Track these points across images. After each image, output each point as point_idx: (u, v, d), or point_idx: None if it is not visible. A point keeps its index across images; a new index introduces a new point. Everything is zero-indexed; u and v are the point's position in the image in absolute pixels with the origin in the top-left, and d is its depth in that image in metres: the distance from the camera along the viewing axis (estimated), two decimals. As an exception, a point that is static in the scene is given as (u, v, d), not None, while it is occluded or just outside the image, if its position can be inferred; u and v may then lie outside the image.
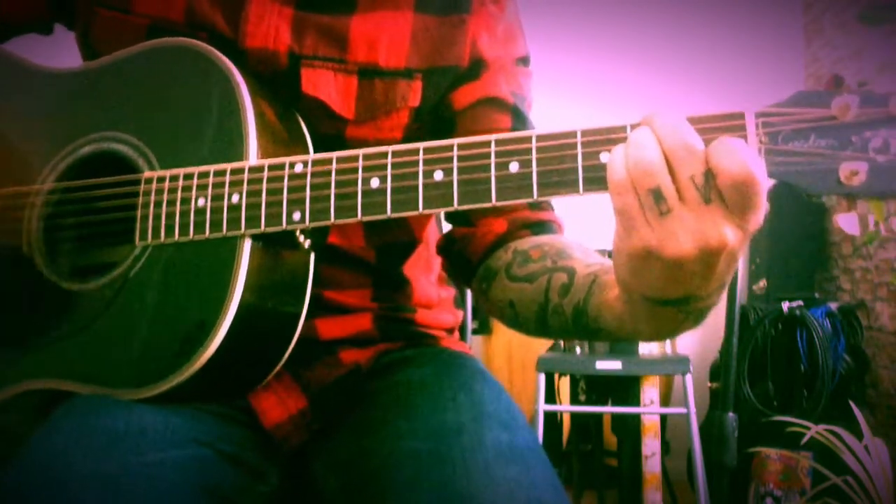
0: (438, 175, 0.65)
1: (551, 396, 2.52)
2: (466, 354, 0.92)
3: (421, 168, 0.65)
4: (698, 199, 0.54)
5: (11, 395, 0.78)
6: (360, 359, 0.86)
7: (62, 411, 0.72)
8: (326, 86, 0.82)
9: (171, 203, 0.74)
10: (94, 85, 0.84)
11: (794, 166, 0.56)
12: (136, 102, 0.81)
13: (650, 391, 2.35)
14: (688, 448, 2.24)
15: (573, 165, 0.60)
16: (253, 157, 0.73)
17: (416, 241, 0.93)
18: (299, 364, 0.82)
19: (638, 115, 0.58)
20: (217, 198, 0.72)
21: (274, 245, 0.74)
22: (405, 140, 0.83)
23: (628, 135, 0.58)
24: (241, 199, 0.71)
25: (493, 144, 0.63)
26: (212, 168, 0.73)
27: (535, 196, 0.62)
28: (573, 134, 0.60)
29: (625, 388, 2.38)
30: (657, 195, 0.55)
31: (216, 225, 0.72)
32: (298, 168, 0.70)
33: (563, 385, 2.62)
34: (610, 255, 0.63)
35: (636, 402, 2.35)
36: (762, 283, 2.86)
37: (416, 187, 0.65)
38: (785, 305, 2.52)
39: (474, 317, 2.83)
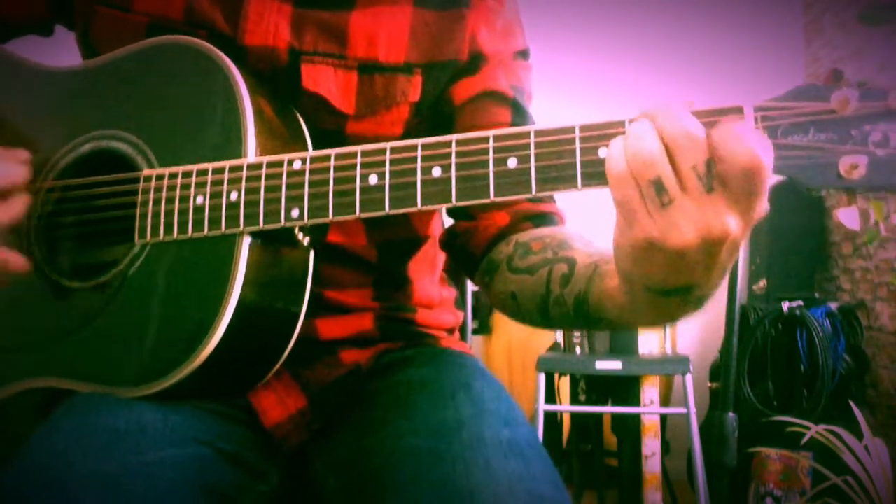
0: (437, 171, 0.64)
1: (551, 396, 2.52)
2: (467, 354, 0.92)
3: (419, 164, 0.65)
4: (700, 188, 0.54)
5: (12, 393, 0.78)
6: (361, 359, 0.86)
7: (62, 410, 0.72)
8: (326, 81, 0.82)
9: (170, 201, 0.74)
10: (93, 83, 0.84)
11: (794, 160, 0.55)
12: (136, 100, 0.81)
13: (650, 391, 2.35)
14: (688, 448, 2.24)
15: (571, 161, 0.60)
16: (251, 154, 0.73)
17: (418, 238, 0.93)
18: (299, 363, 0.82)
19: (636, 113, 0.58)
20: (216, 195, 0.72)
21: (273, 242, 0.74)
22: (405, 135, 0.83)
23: (627, 129, 0.58)
24: (239, 196, 0.71)
25: (491, 140, 0.63)
26: (210, 166, 0.73)
27: (534, 191, 0.61)
28: (571, 129, 0.60)
29: (625, 388, 2.38)
30: (658, 186, 0.54)
31: (215, 222, 0.72)
32: (297, 165, 0.70)
33: (563, 385, 2.62)
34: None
35: (636, 402, 2.35)
36: (762, 283, 2.86)
37: (415, 184, 0.65)
38: (785, 305, 2.52)
39: (474, 317, 2.83)
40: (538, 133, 0.62)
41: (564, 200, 0.92)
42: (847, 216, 0.58)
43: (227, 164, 0.72)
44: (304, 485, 0.81)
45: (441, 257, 1.00)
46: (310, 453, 0.82)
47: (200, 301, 0.71)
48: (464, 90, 0.87)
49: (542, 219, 0.86)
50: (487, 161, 0.63)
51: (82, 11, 0.87)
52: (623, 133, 0.58)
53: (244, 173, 0.71)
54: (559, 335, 2.58)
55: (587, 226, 0.82)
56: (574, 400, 2.55)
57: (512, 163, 0.62)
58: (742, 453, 2.19)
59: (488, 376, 0.85)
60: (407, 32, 0.84)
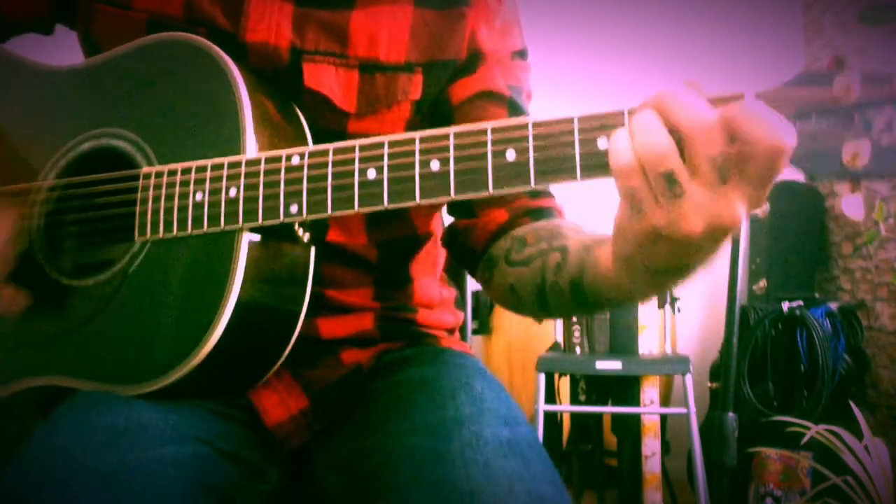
0: (435, 165, 0.64)
1: (551, 396, 2.51)
2: (467, 354, 0.92)
3: (417, 158, 0.65)
4: (716, 180, 0.53)
5: (13, 391, 0.78)
6: (362, 359, 0.86)
7: (63, 409, 0.72)
8: (328, 80, 0.82)
9: (170, 198, 0.74)
10: (93, 81, 0.85)
11: (796, 147, 0.53)
12: (135, 98, 0.81)
13: (650, 391, 2.35)
14: (688, 448, 2.24)
15: (570, 152, 0.59)
16: (251, 151, 0.73)
17: (418, 238, 0.93)
18: (301, 363, 0.82)
19: (637, 104, 0.57)
20: (215, 192, 0.72)
21: (273, 239, 0.74)
22: None
23: (626, 120, 0.57)
24: (238, 192, 0.71)
25: (489, 132, 0.63)
26: (209, 162, 0.73)
27: (533, 184, 0.61)
28: (570, 120, 0.60)
29: (625, 388, 2.38)
30: (670, 179, 0.53)
31: (214, 219, 0.72)
32: (295, 160, 0.70)
33: (563, 385, 2.62)
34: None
35: (636, 402, 2.35)
36: (762, 283, 2.86)
37: (413, 178, 0.65)
38: (785, 305, 2.51)
39: (474, 317, 2.83)
40: (536, 125, 0.61)
41: (564, 194, 0.93)
42: (851, 204, 0.57)
43: (225, 160, 0.72)
44: (305, 484, 0.82)
45: (442, 257, 1.01)
46: (310, 453, 0.82)
47: (200, 298, 0.71)
48: (461, 90, 0.87)
49: (541, 213, 0.87)
50: (486, 154, 0.63)
51: (83, 9, 0.87)
52: (622, 124, 0.57)
53: (242, 169, 0.71)
54: (559, 335, 2.58)
55: (587, 217, 0.83)
56: (574, 400, 2.55)
57: (510, 155, 0.62)
58: (742, 453, 2.19)
59: (489, 376, 0.85)
60: (407, 32, 0.84)
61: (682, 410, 2.21)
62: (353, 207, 0.67)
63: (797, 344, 2.48)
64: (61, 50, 0.97)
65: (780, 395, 2.50)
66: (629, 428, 2.43)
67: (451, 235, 0.92)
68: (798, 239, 2.87)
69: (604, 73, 3.16)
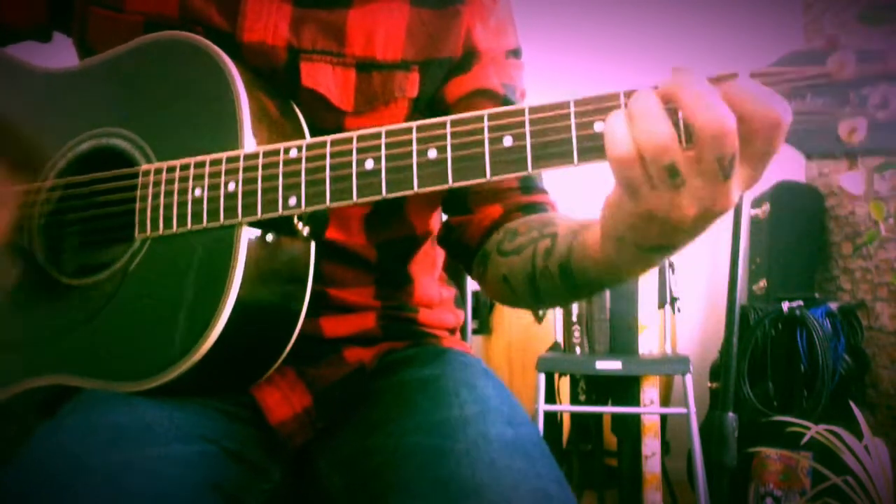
0: (432, 153, 0.65)
1: (551, 396, 2.51)
2: (469, 354, 0.93)
3: (415, 147, 0.65)
4: (719, 176, 0.53)
5: (17, 392, 0.78)
6: (365, 357, 0.86)
7: (67, 409, 0.72)
8: (325, 79, 0.83)
9: (169, 195, 0.74)
10: (91, 82, 0.85)
11: (792, 126, 0.53)
12: (134, 97, 0.81)
13: (650, 391, 2.35)
14: (688, 448, 2.24)
15: (567, 136, 0.60)
16: (249, 146, 0.73)
17: (417, 237, 0.94)
18: (304, 362, 0.82)
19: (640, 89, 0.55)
20: (213, 187, 0.72)
21: (272, 234, 0.74)
22: None
23: (622, 103, 0.57)
24: (237, 186, 0.71)
25: (485, 119, 0.63)
26: (207, 158, 0.73)
27: (530, 169, 0.61)
28: (566, 105, 0.60)
29: (625, 388, 2.38)
30: (672, 170, 0.53)
31: (213, 214, 0.72)
32: (293, 153, 0.70)
33: (563, 385, 2.62)
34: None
35: (636, 402, 2.35)
36: (762, 283, 2.86)
37: (411, 166, 0.65)
38: (785, 305, 2.51)
39: (474, 317, 2.83)
40: (532, 110, 0.61)
41: (557, 186, 0.94)
42: (849, 181, 0.57)
43: (223, 155, 0.73)
44: (307, 482, 0.82)
45: (440, 257, 1.01)
46: (313, 451, 0.82)
47: (201, 295, 0.71)
48: (456, 88, 0.88)
49: (534, 208, 0.88)
50: (483, 140, 0.63)
51: (78, 13, 0.87)
52: (618, 107, 0.57)
53: (241, 164, 0.72)
54: (559, 335, 2.58)
55: (580, 211, 0.83)
56: (574, 400, 2.55)
57: (507, 141, 0.62)
58: (742, 453, 2.19)
59: (491, 376, 0.85)
60: (404, 30, 0.85)
61: (682, 410, 2.21)
62: (351, 198, 0.67)
63: (797, 344, 2.48)
64: (60, 50, 0.97)
65: (780, 395, 2.50)
66: (629, 428, 2.43)
67: (446, 232, 0.93)
68: (798, 239, 2.87)
69: (598, 70, 3.16)
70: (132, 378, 0.72)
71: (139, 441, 0.67)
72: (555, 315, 2.60)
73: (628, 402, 2.36)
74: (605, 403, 2.46)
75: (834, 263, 2.91)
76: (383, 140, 0.67)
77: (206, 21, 0.82)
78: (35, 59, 0.91)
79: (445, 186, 0.64)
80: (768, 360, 2.53)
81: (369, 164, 0.67)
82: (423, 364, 0.86)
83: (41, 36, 0.97)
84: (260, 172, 0.71)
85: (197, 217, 0.73)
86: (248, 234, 0.72)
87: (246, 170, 0.71)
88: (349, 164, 0.67)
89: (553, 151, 0.60)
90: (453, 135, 0.64)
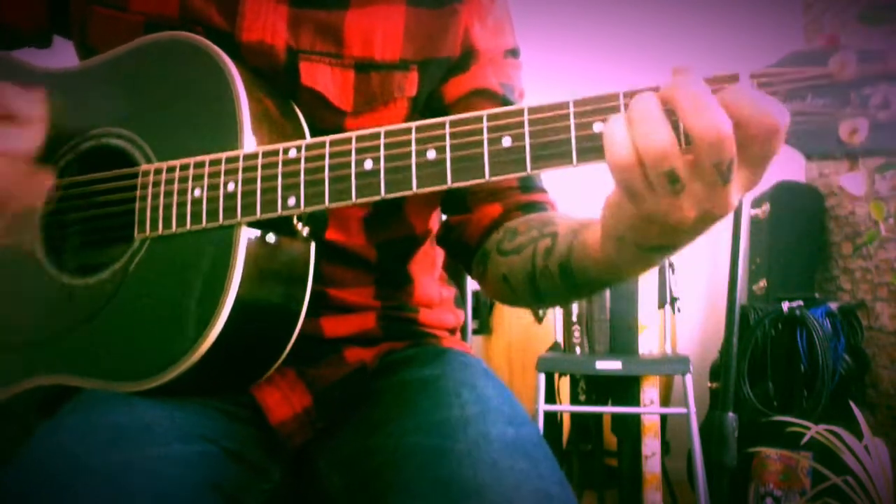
0: (431, 154, 0.65)
1: (551, 396, 2.51)
2: (470, 354, 0.93)
3: (413, 147, 0.65)
4: (718, 182, 0.53)
5: (17, 391, 0.78)
6: (365, 357, 0.86)
7: (67, 409, 0.72)
8: (324, 78, 0.83)
9: (168, 195, 0.74)
10: (91, 82, 0.85)
11: (793, 127, 0.53)
12: (134, 97, 0.81)
13: (650, 391, 2.35)
14: (688, 448, 2.24)
15: (566, 136, 0.60)
16: (248, 146, 0.73)
17: (416, 237, 0.94)
18: (304, 362, 0.82)
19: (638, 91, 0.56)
20: (213, 187, 0.72)
21: (272, 233, 0.74)
22: None
23: (622, 104, 0.57)
24: (236, 186, 0.71)
25: (484, 120, 0.63)
26: (207, 158, 0.73)
27: (529, 169, 0.61)
28: (565, 105, 0.60)
29: (625, 388, 2.38)
30: (672, 176, 0.53)
31: (212, 214, 0.72)
32: (292, 153, 0.70)
33: (563, 385, 2.62)
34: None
35: (636, 402, 2.35)
36: (762, 283, 2.86)
37: (410, 167, 0.65)
38: (785, 305, 2.51)
39: (474, 317, 2.83)
40: (532, 110, 0.62)
41: (557, 186, 0.94)
42: (850, 181, 0.57)
43: (223, 155, 0.73)
44: (307, 483, 0.82)
45: (440, 257, 1.01)
46: (313, 451, 0.82)
47: (200, 295, 0.72)
48: (455, 88, 0.88)
49: (533, 207, 0.88)
50: (482, 141, 0.63)
51: (78, 13, 0.87)
52: (617, 108, 0.57)
53: (240, 164, 0.72)
54: (559, 335, 2.58)
55: (580, 211, 0.83)
56: (574, 400, 2.55)
57: (506, 142, 0.62)
58: (742, 453, 2.19)
59: (492, 376, 0.85)
60: (401, 31, 0.85)
61: (682, 410, 2.21)
62: (350, 198, 0.67)
63: (797, 344, 2.48)
64: (61, 50, 0.97)
65: (780, 395, 2.50)
66: (629, 428, 2.43)
67: (445, 232, 0.93)
68: (798, 239, 2.87)
69: (598, 70, 3.16)
70: (132, 378, 0.72)
71: (139, 441, 0.67)
72: (555, 315, 2.60)
73: (628, 402, 2.36)
74: (605, 403, 2.46)
75: (834, 263, 2.91)
76: (382, 140, 0.67)
77: (206, 21, 0.83)
78: (36, 59, 0.92)
79: (444, 187, 0.64)
80: (768, 360, 2.53)
81: (368, 165, 0.67)
82: (424, 364, 0.86)
83: (41, 40, 0.97)
84: (259, 173, 0.71)
85: (196, 217, 0.73)
86: (248, 234, 0.72)
87: (245, 170, 0.71)
88: (348, 165, 0.68)
89: (552, 152, 0.60)
90: (452, 135, 0.64)
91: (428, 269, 0.98)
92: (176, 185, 0.74)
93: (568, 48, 3.20)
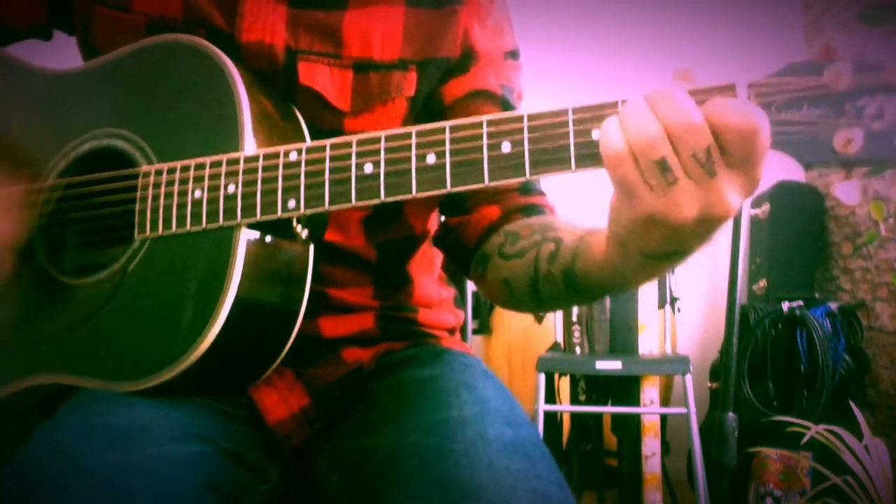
0: (431, 158, 0.65)
1: (551, 396, 2.51)
2: (469, 354, 0.93)
3: (414, 152, 0.66)
4: (702, 174, 0.55)
5: (15, 390, 0.78)
6: (363, 358, 0.86)
7: (64, 409, 0.72)
8: (322, 78, 0.83)
9: (169, 196, 0.74)
10: (92, 83, 0.85)
11: (789, 136, 0.56)
12: (135, 99, 0.81)
13: (650, 391, 2.35)
14: (688, 448, 2.24)
15: (565, 143, 0.60)
16: (249, 148, 0.73)
17: (416, 238, 0.94)
18: (302, 362, 0.82)
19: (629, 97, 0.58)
20: (213, 189, 0.73)
21: (271, 236, 0.74)
22: None
23: (619, 111, 0.58)
24: (236, 188, 0.72)
25: (484, 125, 0.64)
26: (208, 160, 0.73)
27: (528, 174, 0.62)
28: (564, 112, 0.61)
29: (625, 388, 2.38)
30: (663, 166, 0.55)
31: (212, 215, 0.72)
32: (293, 156, 0.70)
33: (563, 385, 2.62)
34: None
35: (636, 402, 2.35)
36: (762, 283, 2.86)
37: (409, 171, 0.66)
38: (785, 305, 2.51)
39: (474, 317, 2.83)
40: (531, 117, 0.62)
41: (557, 191, 0.95)
42: (845, 191, 0.59)
43: (224, 157, 0.73)
44: (306, 483, 0.82)
45: (438, 258, 1.01)
46: (312, 451, 0.82)
47: (199, 295, 0.72)
48: (455, 89, 0.88)
49: (533, 210, 0.88)
50: (481, 146, 0.63)
51: (82, 12, 0.88)
52: (614, 114, 0.58)
53: (241, 166, 0.72)
54: (559, 335, 2.58)
55: (579, 215, 0.83)
56: (574, 400, 2.55)
57: (506, 147, 0.63)
58: (742, 453, 2.19)
59: (491, 376, 0.85)
60: (400, 31, 0.85)
61: (682, 410, 2.21)
62: (350, 201, 0.68)
63: (797, 344, 2.48)
64: (62, 50, 0.97)
65: (780, 395, 2.50)
66: (629, 428, 2.43)
67: (444, 233, 0.93)
68: (798, 239, 2.87)
69: (599, 70, 3.17)
70: (130, 378, 0.72)
71: (136, 441, 0.67)
72: (555, 315, 2.60)
73: (628, 402, 2.36)
74: (605, 403, 2.46)
75: (834, 263, 2.91)
76: (383, 144, 0.67)
77: (208, 22, 0.83)
78: (37, 58, 0.92)
79: (444, 191, 0.65)
80: (768, 360, 2.53)
81: (368, 168, 0.67)
82: (423, 364, 0.86)
83: (42, 35, 0.97)
84: (260, 175, 0.71)
85: (196, 218, 0.73)
86: (247, 236, 0.72)
87: (246, 172, 0.71)
88: (348, 168, 0.68)
89: (551, 158, 0.61)
90: (452, 140, 0.65)
91: (427, 270, 0.98)
92: (176, 186, 0.74)
93: (569, 54, 3.20)
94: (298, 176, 0.70)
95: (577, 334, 2.49)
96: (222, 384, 0.78)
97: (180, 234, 0.74)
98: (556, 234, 0.78)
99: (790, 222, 2.86)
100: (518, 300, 0.83)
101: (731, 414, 1.76)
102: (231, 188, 0.72)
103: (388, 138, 0.67)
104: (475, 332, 2.90)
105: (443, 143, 0.65)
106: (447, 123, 0.65)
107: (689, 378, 2.21)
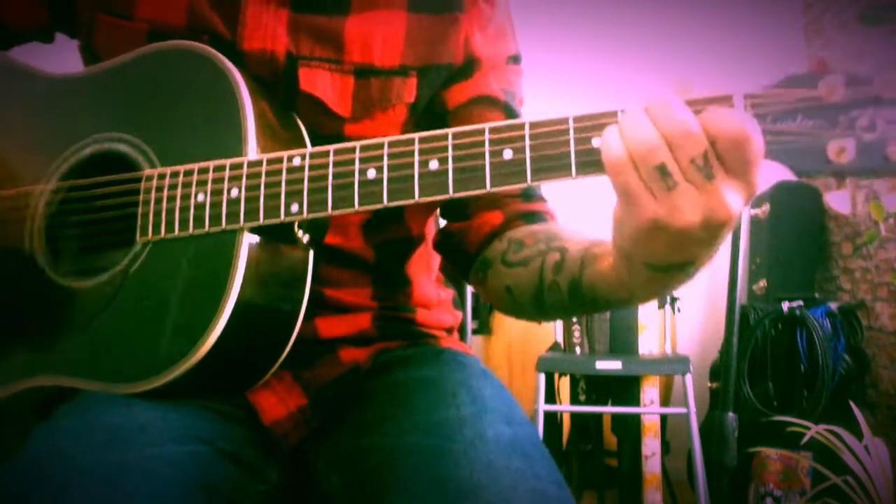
0: (434, 164, 0.66)
1: (551, 396, 2.52)
2: (467, 354, 0.93)
3: (416, 158, 0.66)
4: (702, 178, 0.56)
5: (15, 391, 0.79)
6: (360, 357, 0.87)
7: (62, 411, 0.72)
8: (322, 84, 0.83)
9: (171, 199, 0.74)
10: (96, 88, 0.85)
11: (783, 145, 0.58)
12: (138, 103, 0.81)
13: (650, 391, 2.35)
14: (688, 448, 2.24)
15: (566, 150, 0.62)
16: (252, 153, 0.73)
17: (414, 239, 0.94)
18: (299, 362, 0.83)
19: (629, 106, 0.59)
20: (216, 193, 0.73)
21: (273, 240, 0.74)
22: None
23: (619, 120, 0.59)
24: (240, 192, 0.72)
25: (486, 133, 0.65)
26: (211, 164, 0.74)
27: (529, 181, 0.63)
28: (565, 120, 0.62)
29: (625, 388, 2.38)
30: (663, 171, 0.56)
31: (215, 219, 0.73)
32: (297, 161, 0.71)
33: (563, 385, 2.62)
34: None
35: (636, 402, 2.35)
36: (762, 283, 2.86)
37: (412, 177, 0.66)
38: (785, 305, 2.51)
39: (474, 317, 2.83)
40: (533, 125, 0.63)
41: (560, 197, 0.95)
42: (837, 200, 0.60)
43: (227, 161, 0.73)
44: (304, 483, 0.82)
45: (436, 259, 1.01)
46: (310, 451, 0.82)
47: (200, 299, 0.72)
48: (457, 94, 0.88)
49: (534, 217, 0.88)
50: (483, 153, 0.64)
51: (84, 19, 0.88)
52: (614, 122, 0.60)
53: (245, 170, 0.72)
54: (559, 335, 2.58)
55: (582, 222, 0.84)
56: (574, 400, 2.55)
57: (507, 154, 0.64)
58: (742, 453, 2.19)
59: (490, 376, 0.85)
60: (402, 37, 0.85)
61: (682, 410, 2.21)
62: (353, 206, 0.68)
63: (797, 344, 2.48)
64: (64, 49, 0.98)
65: (780, 395, 2.51)
66: (629, 428, 2.43)
67: (444, 238, 0.93)
68: (798, 239, 2.87)
69: (601, 75, 3.17)
70: (130, 380, 0.73)
71: (134, 442, 0.67)
72: (555, 315, 2.59)
73: (628, 402, 2.37)
74: (605, 403, 2.47)
75: (834, 263, 2.91)
76: (385, 150, 0.68)
77: (211, 29, 0.83)
78: (37, 59, 0.92)
79: (446, 197, 0.66)
80: (768, 360, 2.53)
81: (371, 174, 0.68)
82: (422, 364, 0.86)
83: (44, 37, 0.97)
84: (263, 179, 0.71)
85: (199, 221, 0.73)
86: (249, 240, 0.72)
87: (249, 176, 0.72)
88: (351, 174, 0.68)
89: (552, 165, 0.62)
90: (455, 147, 0.65)
91: (425, 270, 0.98)
92: (179, 190, 0.74)
93: (571, 59, 3.20)
94: (302, 181, 0.70)
95: (577, 334, 2.49)
96: (222, 387, 0.78)
97: (182, 237, 0.74)
98: (561, 243, 0.78)
99: (790, 222, 2.86)
100: (520, 308, 0.83)
101: (731, 414, 1.76)
102: (234, 192, 0.72)
103: (391, 144, 0.68)
104: (475, 332, 2.90)
105: (445, 149, 0.65)
106: (450, 130, 0.66)
107: (689, 378, 2.21)
